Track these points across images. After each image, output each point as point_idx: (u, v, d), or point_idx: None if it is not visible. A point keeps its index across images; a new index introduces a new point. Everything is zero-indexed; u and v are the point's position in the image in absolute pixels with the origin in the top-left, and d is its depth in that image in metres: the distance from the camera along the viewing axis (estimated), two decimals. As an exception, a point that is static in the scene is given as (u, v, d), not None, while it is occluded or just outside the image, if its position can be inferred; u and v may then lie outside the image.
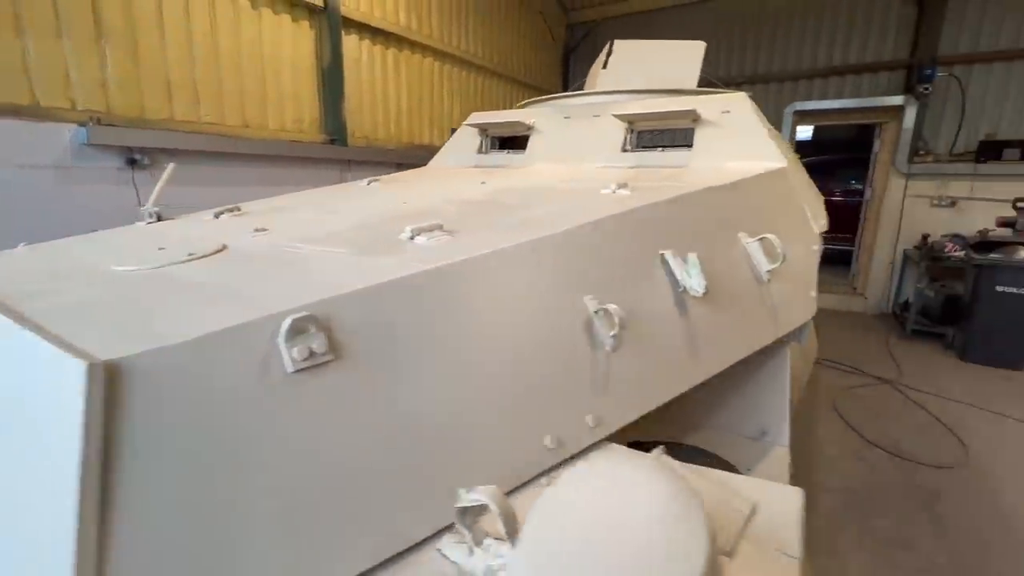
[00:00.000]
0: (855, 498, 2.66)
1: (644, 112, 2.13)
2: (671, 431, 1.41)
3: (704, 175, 1.74)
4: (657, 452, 0.77)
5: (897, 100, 5.81)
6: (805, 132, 12.23)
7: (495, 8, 6.37)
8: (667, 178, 1.75)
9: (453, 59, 5.78)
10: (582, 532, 0.40)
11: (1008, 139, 5.38)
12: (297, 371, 0.59)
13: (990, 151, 5.38)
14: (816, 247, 1.73)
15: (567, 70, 8.05)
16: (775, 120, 6.57)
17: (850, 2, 5.99)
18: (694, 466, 0.74)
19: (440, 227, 0.99)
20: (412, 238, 0.95)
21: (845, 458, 3.04)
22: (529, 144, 2.54)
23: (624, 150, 2.25)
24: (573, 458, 0.78)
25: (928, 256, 5.33)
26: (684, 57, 2.54)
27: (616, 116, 2.20)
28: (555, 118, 2.52)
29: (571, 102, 2.59)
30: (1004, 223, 5.15)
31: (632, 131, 2.27)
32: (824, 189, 8.37)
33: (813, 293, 1.57)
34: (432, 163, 2.88)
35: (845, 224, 7.34)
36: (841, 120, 6.51)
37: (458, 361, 0.73)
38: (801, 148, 10.97)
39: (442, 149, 2.88)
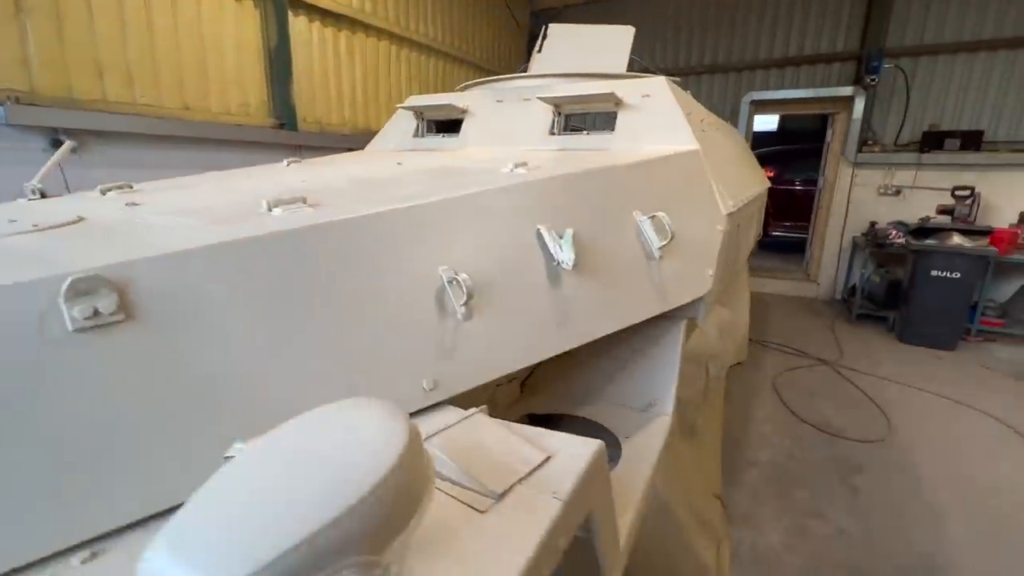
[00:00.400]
0: (780, 472, 2.77)
1: (567, 95, 2.14)
2: (568, 405, 1.45)
3: (619, 157, 1.77)
4: (475, 410, 0.79)
5: (847, 91, 5.97)
6: (771, 122, 12.47)
7: (456, -7, 6.30)
8: (584, 160, 1.78)
9: (411, 43, 5.70)
10: (262, 465, 0.42)
11: (949, 130, 5.59)
12: (78, 330, 0.59)
13: (932, 141, 5.58)
14: (721, 227, 1.78)
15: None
16: (734, 109, 6.68)
17: (805, -7, 6.11)
18: (506, 423, 0.77)
19: (303, 200, 1.00)
20: (269, 210, 0.96)
21: (776, 435, 3.16)
22: (463, 127, 2.54)
23: (552, 133, 2.27)
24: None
25: (873, 243, 5.52)
26: (614, 42, 2.57)
27: (541, 99, 2.21)
28: (488, 101, 2.52)
29: (504, 85, 2.59)
30: (943, 211, 5.37)
31: (559, 114, 2.28)
32: (784, 178, 8.53)
33: (711, 271, 1.63)
34: (369, 147, 2.86)
35: (804, 212, 7.54)
36: (798, 110, 6.66)
37: (280, 325, 0.75)
38: (766, 138, 11.22)
39: (379, 133, 2.86)
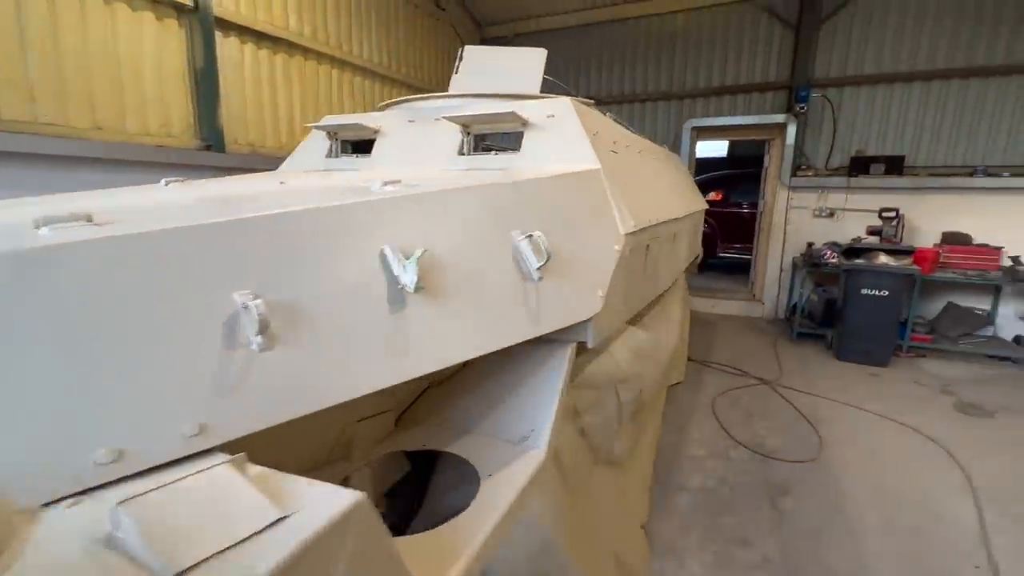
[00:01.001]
0: (709, 497, 2.70)
1: (471, 115, 2.10)
2: (444, 438, 1.34)
3: (513, 175, 1.72)
4: (220, 459, 0.68)
5: (779, 118, 6.23)
6: (720, 148, 12.98)
7: (402, 19, 6.34)
8: (476, 179, 1.71)
9: (354, 67, 5.66)
10: None
11: (875, 155, 5.88)
12: None
13: (860, 166, 5.85)
14: (618, 247, 1.74)
15: (483, 84, 8.10)
16: (678, 135, 6.87)
17: (739, 27, 6.40)
18: (266, 470, 0.66)
19: (88, 218, 0.88)
20: (36, 229, 0.84)
21: (711, 458, 3.10)
22: (375, 148, 2.46)
23: (461, 154, 2.22)
24: (153, 471, 0.67)
25: (809, 263, 5.68)
26: (528, 63, 2.57)
27: (448, 119, 2.16)
28: (400, 122, 2.46)
29: (419, 105, 2.54)
30: (872, 231, 5.59)
31: (468, 135, 2.24)
32: (731, 201, 8.73)
33: (601, 292, 1.57)
34: (282, 167, 2.75)
35: (751, 234, 7.74)
36: (737, 136, 6.91)
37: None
38: (718, 163, 11.56)
39: (292, 154, 2.75)
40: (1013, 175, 5.32)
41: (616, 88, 7.21)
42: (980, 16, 5.34)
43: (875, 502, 2.67)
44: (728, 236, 8.66)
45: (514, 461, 1.19)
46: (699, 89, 6.72)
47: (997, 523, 2.50)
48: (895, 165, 5.70)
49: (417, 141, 2.37)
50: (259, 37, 4.54)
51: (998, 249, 5.19)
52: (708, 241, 8.95)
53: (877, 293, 4.70)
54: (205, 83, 4.08)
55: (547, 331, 1.33)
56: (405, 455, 1.38)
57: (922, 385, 4.36)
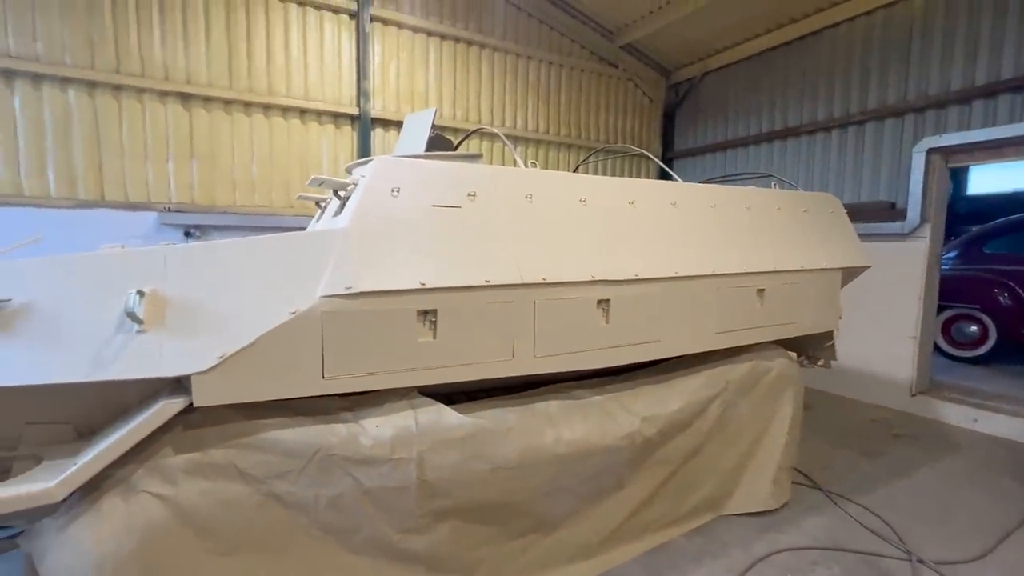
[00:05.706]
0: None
1: (327, 179, 2.33)
2: None
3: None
4: None
5: (1101, 117, 3.65)
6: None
7: (574, 88, 6.81)
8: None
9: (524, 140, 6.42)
10: None
11: None
12: None
13: None
14: (293, 310, 1.69)
15: (671, 129, 7.59)
16: (904, 162, 4.84)
17: (1023, -10, 4.17)
18: None
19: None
20: None
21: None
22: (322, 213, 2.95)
23: (334, 216, 2.49)
24: None
25: None
26: (420, 124, 2.58)
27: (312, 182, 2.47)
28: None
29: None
30: None
31: (341, 200, 2.47)
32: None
33: (221, 352, 1.57)
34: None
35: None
36: (1018, 156, 4.33)
37: None
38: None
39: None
40: None
41: (823, 111, 5.63)
42: None
43: None
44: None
45: None
46: (948, 95, 4.59)
47: None
48: None
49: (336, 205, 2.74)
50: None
51: None
52: (1011, 317, 5.69)
53: None
54: (364, 167, 5.45)
55: (116, 376, 1.49)
56: None
57: None
